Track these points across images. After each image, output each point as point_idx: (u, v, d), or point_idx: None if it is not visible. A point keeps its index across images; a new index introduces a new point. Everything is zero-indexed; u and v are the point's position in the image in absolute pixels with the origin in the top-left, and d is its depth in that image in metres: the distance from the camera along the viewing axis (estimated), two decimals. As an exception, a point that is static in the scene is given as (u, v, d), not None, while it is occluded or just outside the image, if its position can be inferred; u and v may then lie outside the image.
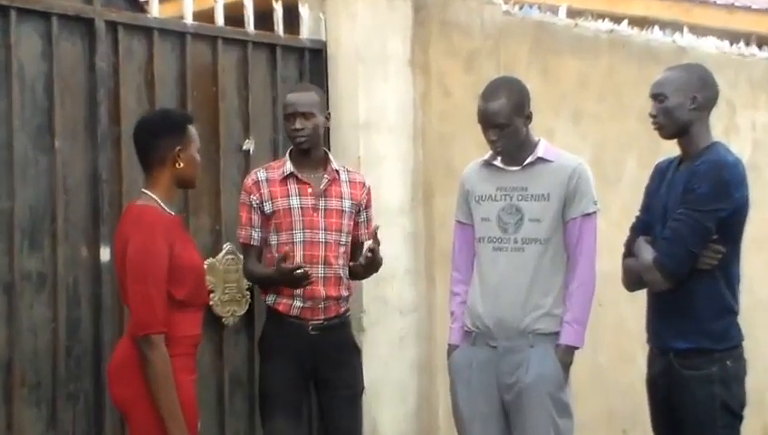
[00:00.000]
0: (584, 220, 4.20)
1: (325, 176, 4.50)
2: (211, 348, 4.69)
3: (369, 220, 4.63)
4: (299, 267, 4.29)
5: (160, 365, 3.56)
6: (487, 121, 4.19)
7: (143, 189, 3.75)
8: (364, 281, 4.95)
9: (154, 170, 3.73)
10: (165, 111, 4.11)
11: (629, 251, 4.14)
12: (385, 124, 5.19)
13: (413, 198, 5.29)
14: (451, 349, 4.37)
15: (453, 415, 4.39)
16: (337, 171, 4.52)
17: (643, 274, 4.00)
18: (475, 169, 4.37)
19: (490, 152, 4.31)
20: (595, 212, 4.22)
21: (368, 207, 4.64)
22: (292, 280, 4.32)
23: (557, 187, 4.18)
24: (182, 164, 3.72)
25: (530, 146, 4.24)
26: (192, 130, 3.78)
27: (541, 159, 4.22)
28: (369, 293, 5.08)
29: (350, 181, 4.56)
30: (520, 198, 4.21)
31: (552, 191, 4.18)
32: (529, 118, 4.23)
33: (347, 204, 4.51)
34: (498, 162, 4.27)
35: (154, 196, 3.70)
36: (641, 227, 4.14)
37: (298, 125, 4.43)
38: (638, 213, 4.22)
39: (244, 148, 4.88)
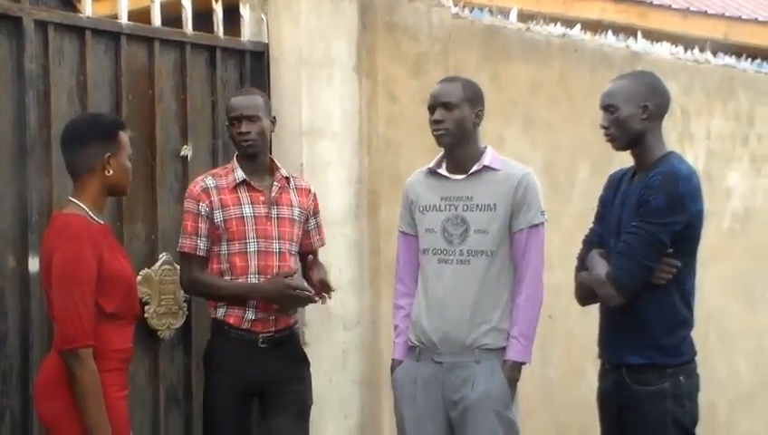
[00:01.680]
0: (531, 231, 4.18)
1: (275, 183, 4.47)
2: (146, 363, 4.62)
3: (318, 227, 4.62)
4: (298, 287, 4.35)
5: (88, 380, 3.50)
6: (436, 99, 4.19)
7: (70, 198, 3.69)
8: (306, 293, 4.90)
9: (82, 178, 3.67)
10: (94, 116, 4.06)
11: (582, 264, 4.13)
12: (329, 130, 5.14)
13: (358, 207, 5.25)
14: (395, 364, 4.35)
15: (397, 433, 4.34)
16: (287, 178, 4.49)
17: (596, 288, 4.00)
18: (419, 178, 4.35)
19: (435, 160, 4.30)
20: (543, 223, 4.22)
21: (315, 213, 4.61)
22: (289, 299, 4.33)
23: (504, 197, 4.17)
24: (112, 171, 3.66)
25: (476, 154, 4.23)
26: (123, 135, 3.72)
27: (487, 168, 4.21)
28: (312, 305, 4.99)
29: (296, 188, 4.54)
30: (465, 208, 4.19)
31: (499, 201, 4.17)
32: (479, 117, 4.23)
33: (296, 212, 4.49)
34: (443, 170, 4.25)
35: (81, 204, 3.65)
36: (595, 240, 4.14)
37: (244, 129, 4.39)
38: (591, 224, 4.21)
39: (182, 154, 4.81)
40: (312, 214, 4.58)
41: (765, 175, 7.56)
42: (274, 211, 4.43)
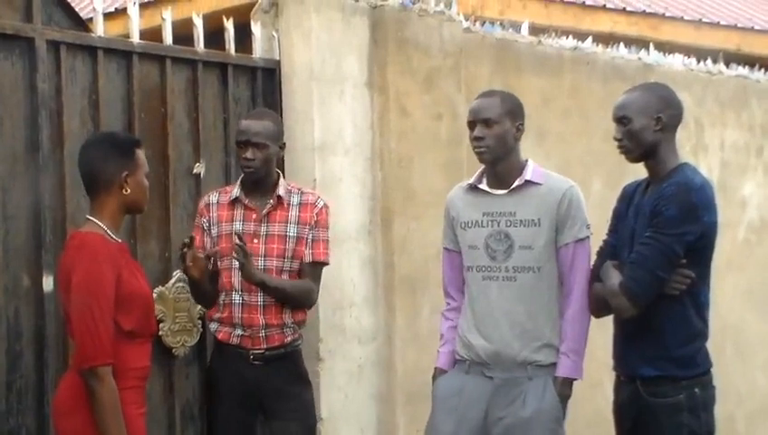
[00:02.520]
0: (577, 245, 4.13)
1: (270, 201, 4.46)
2: (161, 380, 4.64)
3: (316, 241, 4.52)
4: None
5: (108, 399, 3.51)
6: (476, 115, 4.12)
7: (88, 216, 3.71)
8: (321, 308, 4.92)
9: (100, 196, 3.69)
10: (111, 135, 4.07)
11: (596, 276, 4.12)
12: (341, 146, 5.16)
13: (371, 222, 5.26)
14: (437, 373, 4.29)
15: None
16: (281, 196, 4.49)
17: (610, 299, 3.99)
18: (459, 194, 4.30)
19: (475, 175, 4.25)
20: (588, 237, 4.16)
21: (317, 227, 4.53)
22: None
23: (548, 211, 4.11)
24: (129, 190, 3.68)
25: (517, 168, 4.16)
26: (140, 154, 3.75)
27: (529, 182, 4.14)
28: (327, 321, 5.04)
29: (301, 204, 4.53)
30: (508, 223, 4.14)
31: (543, 216, 4.11)
32: (520, 131, 4.17)
33: (292, 229, 4.47)
34: (484, 186, 4.20)
35: (99, 223, 3.67)
36: (609, 252, 4.14)
37: (249, 155, 4.42)
38: (605, 236, 4.20)
39: (195, 171, 4.84)
40: (313, 227, 4.52)
41: (780, 185, 7.55)
42: (263, 229, 4.45)
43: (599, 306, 4.11)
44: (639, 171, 4.21)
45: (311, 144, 5.07)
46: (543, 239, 4.10)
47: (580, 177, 6.23)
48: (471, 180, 4.25)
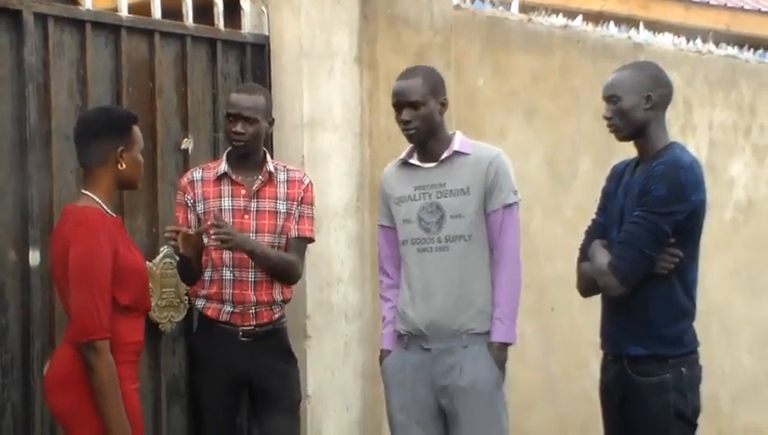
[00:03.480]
0: (506, 211, 4.20)
1: (259, 177, 4.46)
2: (147, 356, 4.62)
3: (302, 217, 4.54)
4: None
5: (106, 373, 3.53)
6: (401, 99, 4.21)
7: (83, 190, 3.71)
8: (308, 285, 4.92)
9: (95, 171, 3.69)
10: (108, 109, 4.09)
11: (585, 255, 4.13)
12: (330, 122, 5.15)
13: (359, 199, 5.25)
14: (384, 354, 4.37)
15: (389, 423, 4.38)
16: (272, 172, 4.50)
17: (598, 278, 4.00)
18: (392, 171, 4.40)
19: (406, 151, 4.33)
20: (516, 203, 4.24)
21: (303, 203, 4.56)
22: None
23: (476, 179, 4.19)
24: (125, 165, 3.69)
25: (445, 140, 4.26)
26: (136, 129, 3.76)
27: (457, 153, 4.24)
28: (314, 298, 5.04)
29: (288, 181, 4.55)
30: (439, 194, 4.22)
31: (472, 185, 4.19)
32: (444, 105, 4.26)
33: (281, 205, 4.48)
34: (414, 160, 4.28)
35: (95, 197, 3.67)
36: (597, 231, 4.15)
37: (239, 129, 4.42)
38: (594, 215, 4.21)
39: (183, 147, 4.83)
40: (299, 203, 4.54)
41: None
42: (254, 205, 4.45)
43: (587, 285, 4.13)
44: (629, 150, 4.21)
45: (300, 120, 5.05)
46: (473, 207, 4.18)
47: (570, 156, 6.26)
48: (402, 156, 4.33)
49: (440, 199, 4.21)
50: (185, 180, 4.52)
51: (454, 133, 4.29)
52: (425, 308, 4.20)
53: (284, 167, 4.59)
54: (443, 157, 4.22)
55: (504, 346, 4.20)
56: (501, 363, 4.19)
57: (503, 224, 4.18)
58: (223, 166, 4.47)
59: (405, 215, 4.27)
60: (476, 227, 4.19)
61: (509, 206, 4.20)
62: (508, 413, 4.26)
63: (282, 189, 4.51)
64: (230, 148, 4.51)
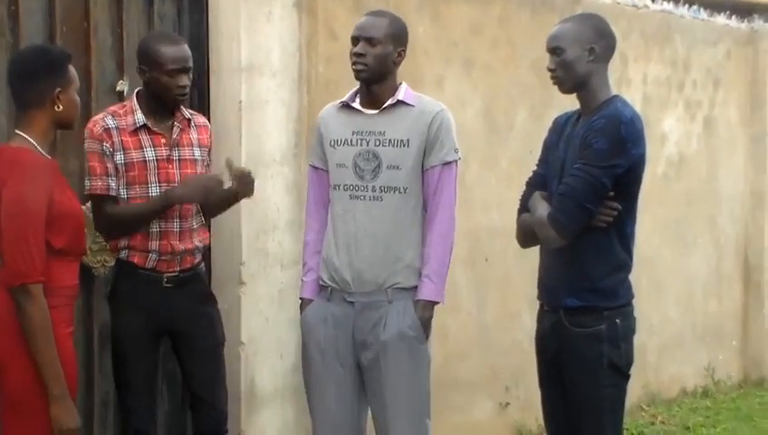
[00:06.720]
0: (444, 169, 4.17)
1: (176, 124, 4.38)
2: (80, 300, 4.55)
3: (209, 165, 4.50)
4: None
5: (39, 317, 3.51)
6: (361, 33, 4.15)
7: (17, 131, 3.66)
8: (244, 232, 4.89)
9: (30, 111, 3.64)
10: (43, 49, 4.01)
11: (525, 206, 4.15)
12: (268, 68, 5.10)
13: (296, 146, 5.22)
14: (304, 303, 4.32)
15: (303, 376, 4.34)
16: (189, 119, 4.42)
17: (537, 230, 4.03)
18: (331, 112, 4.32)
19: (348, 93, 4.27)
20: (456, 161, 4.21)
21: (210, 149, 4.53)
22: (206, 190, 4.27)
23: (417, 132, 4.15)
24: (61, 106, 3.65)
25: (391, 89, 4.21)
26: (72, 69, 3.71)
27: (401, 103, 4.19)
28: (250, 245, 5.02)
29: (196, 126, 4.47)
30: (377, 142, 4.17)
31: (412, 137, 4.15)
32: (401, 56, 4.21)
33: (197, 152, 4.42)
34: (356, 104, 4.23)
35: (29, 138, 3.62)
36: (538, 182, 4.18)
37: (187, 82, 4.28)
38: (535, 167, 4.21)
39: (118, 89, 4.77)
40: (207, 148, 4.49)
41: (699, 121, 7.65)
42: (176, 153, 4.35)
43: (525, 236, 4.16)
44: (564, 104, 4.22)
45: (237, 65, 5.00)
46: (411, 160, 4.14)
47: (506, 107, 6.27)
48: (344, 98, 4.28)
49: (378, 148, 4.16)
50: (98, 128, 4.26)
51: (400, 84, 4.24)
52: (351, 259, 4.16)
53: (189, 112, 4.49)
54: (386, 104, 4.18)
55: (431, 304, 4.17)
56: (425, 321, 4.15)
57: (440, 181, 4.14)
58: (139, 115, 4.28)
59: (339, 159, 4.21)
60: (413, 180, 4.15)
61: (448, 163, 4.16)
62: (431, 371, 4.22)
63: (194, 135, 4.42)
64: (138, 90, 4.35)
